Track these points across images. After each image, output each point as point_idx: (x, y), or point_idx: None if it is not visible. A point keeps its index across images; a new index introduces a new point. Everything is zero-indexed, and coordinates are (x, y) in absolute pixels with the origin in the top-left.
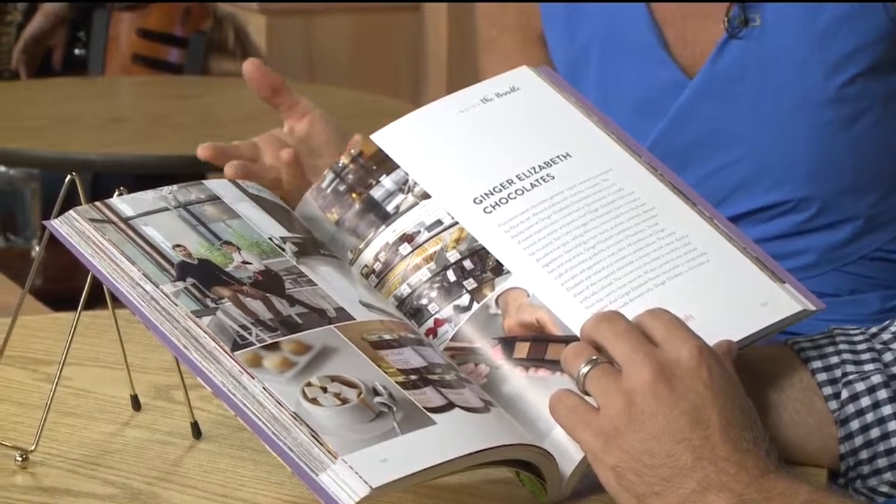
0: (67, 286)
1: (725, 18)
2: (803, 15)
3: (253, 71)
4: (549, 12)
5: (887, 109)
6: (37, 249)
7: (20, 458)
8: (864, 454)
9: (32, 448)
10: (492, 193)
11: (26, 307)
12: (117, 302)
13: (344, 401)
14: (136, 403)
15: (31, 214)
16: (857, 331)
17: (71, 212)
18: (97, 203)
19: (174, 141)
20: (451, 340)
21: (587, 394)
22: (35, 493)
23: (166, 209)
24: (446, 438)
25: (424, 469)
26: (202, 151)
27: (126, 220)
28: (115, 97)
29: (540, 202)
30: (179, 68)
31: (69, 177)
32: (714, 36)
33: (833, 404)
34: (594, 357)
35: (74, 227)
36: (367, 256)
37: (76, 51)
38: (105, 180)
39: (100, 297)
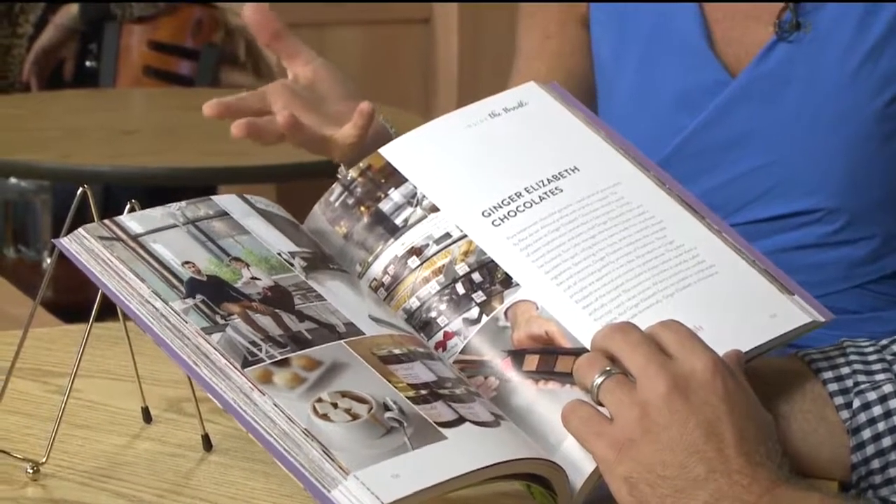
0: (79, 298)
1: (777, 21)
2: (855, 27)
3: (254, 15)
4: (598, 4)
5: None
6: (48, 261)
7: (31, 470)
8: (875, 463)
9: (43, 460)
10: (500, 206)
11: (38, 319)
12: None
13: (355, 416)
14: (147, 416)
15: (41, 226)
16: (868, 343)
17: (80, 230)
18: (106, 221)
19: (185, 153)
20: (460, 353)
21: (600, 404)
22: None
23: (175, 226)
24: (457, 453)
25: (436, 484)
26: (208, 109)
27: (135, 238)
28: (126, 109)
29: (548, 215)
30: (190, 80)
31: (81, 189)
32: (762, 38)
33: (844, 414)
34: (608, 368)
35: (84, 245)
36: (376, 270)
37: (87, 63)
38: (116, 192)
39: (111, 308)
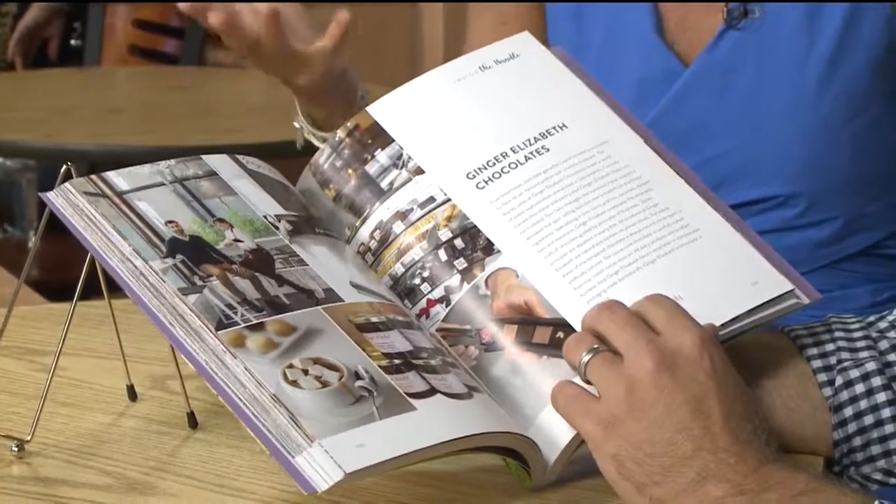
0: (64, 277)
1: (725, 9)
2: (804, 10)
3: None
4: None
5: (884, 110)
6: (33, 240)
7: (16, 449)
8: (857, 441)
9: (28, 438)
10: (485, 168)
11: (22, 297)
12: (113, 292)
13: (324, 384)
14: (132, 393)
15: (27, 205)
16: (854, 319)
17: (66, 184)
18: (93, 176)
19: (170, 131)
20: (442, 321)
21: (589, 383)
22: (31, 483)
23: (162, 184)
24: (425, 425)
25: (400, 455)
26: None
27: (120, 195)
28: (111, 88)
29: (533, 176)
30: (176, 59)
31: (65, 166)
32: (713, 26)
33: (827, 391)
34: (595, 346)
35: (69, 200)
36: (364, 234)
37: (72, 42)
38: (101, 171)
39: (96, 287)
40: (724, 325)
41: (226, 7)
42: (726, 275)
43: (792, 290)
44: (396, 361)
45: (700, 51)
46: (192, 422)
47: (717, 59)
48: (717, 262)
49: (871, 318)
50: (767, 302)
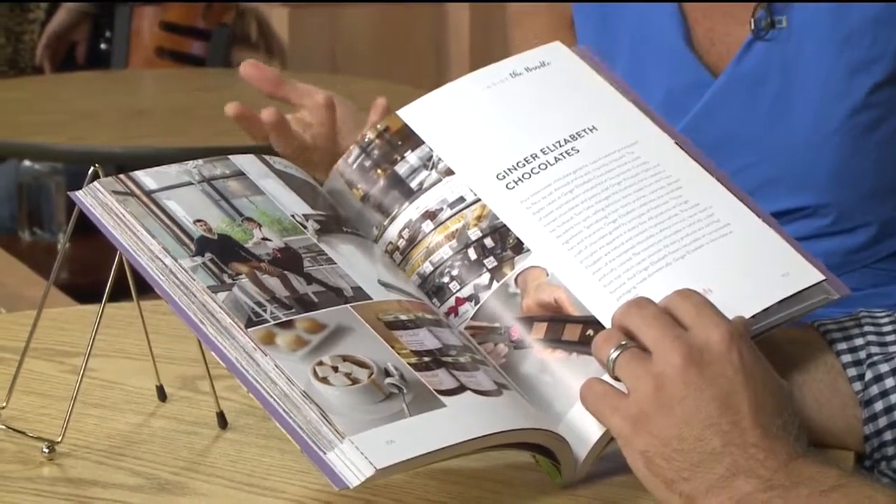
0: (93, 279)
1: (751, 20)
2: (830, 18)
3: (250, 70)
4: (581, 7)
5: None
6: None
7: (47, 450)
8: (888, 435)
9: (59, 440)
10: (515, 168)
11: (52, 300)
12: (142, 294)
13: (354, 381)
14: (161, 394)
15: (56, 208)
16: (884, 314)
17: (95, 183)
18: (121, 175)
19: (197, 133)
20: (471, 319)
21: (617, 379)
22: (62, 485)
23: (190, 183)
24: (454, 422)
25: (430, 452)
26: (230, 108)
27: (149, 194)
28: (138, 90)
29: (563, 176)
30: (202, 61)
31: (92, 167)
32: (741, 37)
33: (857, 385)
34: (624, 342)
35: (98, 199)
36: (392, 233)
37: (100, 45)
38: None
39: (125, 289)
40: (754, 318)
41: (241, 105)
42: (756, 267)
43: (822, 283)
44: (426, 359)
45: (728, 62)
46: (222, 422)
47: (744, 71)
48: (748, 255)
49: None
50: (798, 295)
